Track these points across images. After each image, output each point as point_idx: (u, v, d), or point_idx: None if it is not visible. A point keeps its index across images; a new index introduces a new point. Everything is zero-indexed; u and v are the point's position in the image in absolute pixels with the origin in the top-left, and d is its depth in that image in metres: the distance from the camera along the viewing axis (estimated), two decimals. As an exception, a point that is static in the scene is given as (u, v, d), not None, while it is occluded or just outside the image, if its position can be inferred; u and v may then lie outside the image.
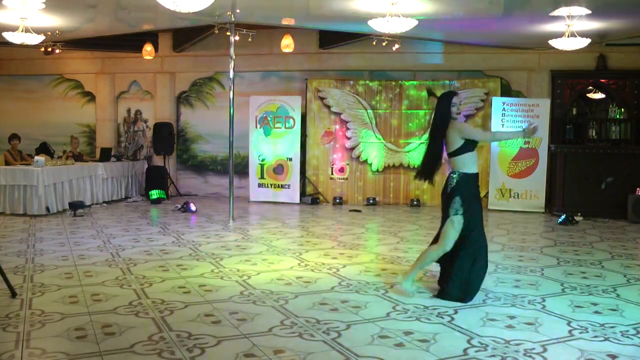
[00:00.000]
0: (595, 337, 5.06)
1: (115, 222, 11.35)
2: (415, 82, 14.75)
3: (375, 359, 4.47)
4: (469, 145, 6.22)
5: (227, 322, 5.27)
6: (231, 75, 11.83)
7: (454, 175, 6.18)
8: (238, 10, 11.16)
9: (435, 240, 6.39)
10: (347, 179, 14.99)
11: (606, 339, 5.00)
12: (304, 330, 5.09)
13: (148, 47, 15.09)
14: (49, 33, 12.58)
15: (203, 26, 13.28)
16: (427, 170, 6.42)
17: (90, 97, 16.80)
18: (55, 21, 11.83)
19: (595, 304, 6.06)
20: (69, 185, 12.73)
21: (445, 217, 6.25)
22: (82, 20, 12.18)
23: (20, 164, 12.99)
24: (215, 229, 10.64)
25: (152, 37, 15.46)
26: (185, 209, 12.70)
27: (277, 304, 5.89)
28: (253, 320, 5.34)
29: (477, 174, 6.28)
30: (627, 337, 5.07)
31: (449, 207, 6.16)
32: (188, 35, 14.87)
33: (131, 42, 15.20)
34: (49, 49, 14.34)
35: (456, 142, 6.19)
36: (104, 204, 13.84)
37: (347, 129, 14.87)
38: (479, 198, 6.49)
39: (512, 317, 5.56)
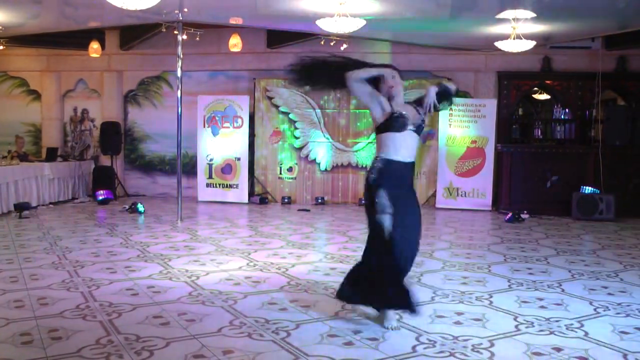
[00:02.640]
0: (541, 331, 5.15)
1: (62, 223, 11.14)
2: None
3: (325, 358, 4.48)
4: (390, 121, 5.09)
5: (176, 324, 5.22)
6: (179, 75, 11.71)
7: (375, 162, 5.14)
8: (186, 9, 11.08)
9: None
10: (295, 178, 15.00)
11: (551, 333, 5.10)
12: (253, 330, 5.07)
13: (95, 45, 14.81)
14: (-8, 28, 12.32)
15: (150, 24, 13.11)
16: None
17: (35, 95, 16.42)
18: (-1, 17, 11.59)
19: (540, 299, 6.18)
20: (14, 186, 12.42)
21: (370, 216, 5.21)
22: (27, 16, 11.92)
23: (-38, 165, 12.65)
24: (164, 230, 10.53)
25: (99, 34, 15.18)
26: (133, 209, 12.55)
27: (226, 304, 5.85)
28: (202, 321, 5.30)
29: (404, 163, 5.13)
30: (572, 330, 5.18)
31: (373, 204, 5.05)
32: (135, 33, 14.69)
33: (77, 39, 14.88)
34: (-8, 45, 14.01)
35: (374, 114, 5.22)
36: (51, 205, 13.57)
37: (296, 128, 14.89)
38: (407, 197, 5.17)
39: (460, 314, 5.62)
